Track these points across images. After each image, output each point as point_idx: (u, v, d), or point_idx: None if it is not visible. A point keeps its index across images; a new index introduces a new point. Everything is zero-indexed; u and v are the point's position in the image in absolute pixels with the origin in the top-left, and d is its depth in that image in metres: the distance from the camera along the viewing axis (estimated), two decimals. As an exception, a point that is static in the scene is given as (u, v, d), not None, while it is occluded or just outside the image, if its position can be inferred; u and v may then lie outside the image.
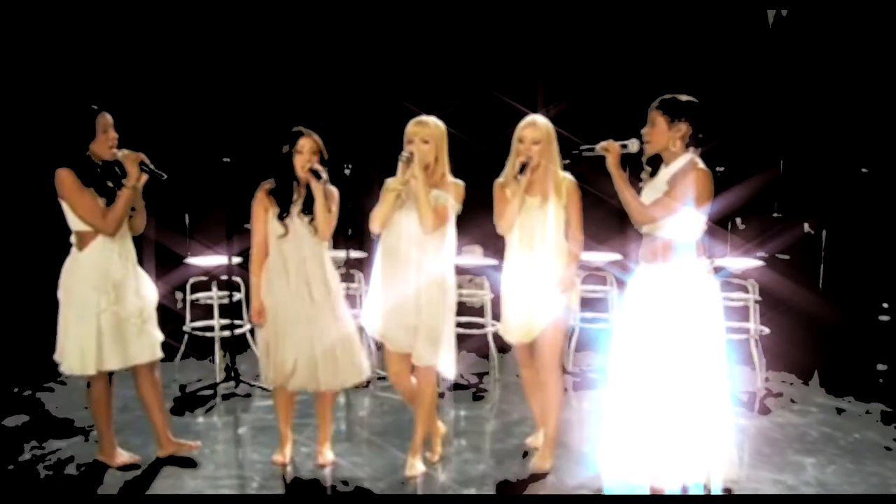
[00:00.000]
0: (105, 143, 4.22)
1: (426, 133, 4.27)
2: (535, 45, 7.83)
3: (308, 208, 4.38)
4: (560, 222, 4.39)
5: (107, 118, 4.23)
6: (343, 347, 4.46)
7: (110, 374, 4.50)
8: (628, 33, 7.80)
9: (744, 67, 7.64)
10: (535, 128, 4.35)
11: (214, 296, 6.36)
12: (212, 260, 6.42)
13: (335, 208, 4.42)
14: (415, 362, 4.40)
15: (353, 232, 6.44)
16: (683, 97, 3.96)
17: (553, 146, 4.38)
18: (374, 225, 4.32)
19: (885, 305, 6.90)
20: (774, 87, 7.72)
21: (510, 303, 4.53)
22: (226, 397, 5.93)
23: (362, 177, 6.63)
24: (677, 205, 3.85)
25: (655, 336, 3.92)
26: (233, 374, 6.11)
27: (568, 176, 4.43)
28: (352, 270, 6.56)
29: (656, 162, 4.07)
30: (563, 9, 7.73)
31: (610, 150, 3.97)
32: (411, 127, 4.30)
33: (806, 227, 7.69)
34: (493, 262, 6.65)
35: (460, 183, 4.35)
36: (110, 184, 4.25)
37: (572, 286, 4.46)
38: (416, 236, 4.28)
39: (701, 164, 3.93)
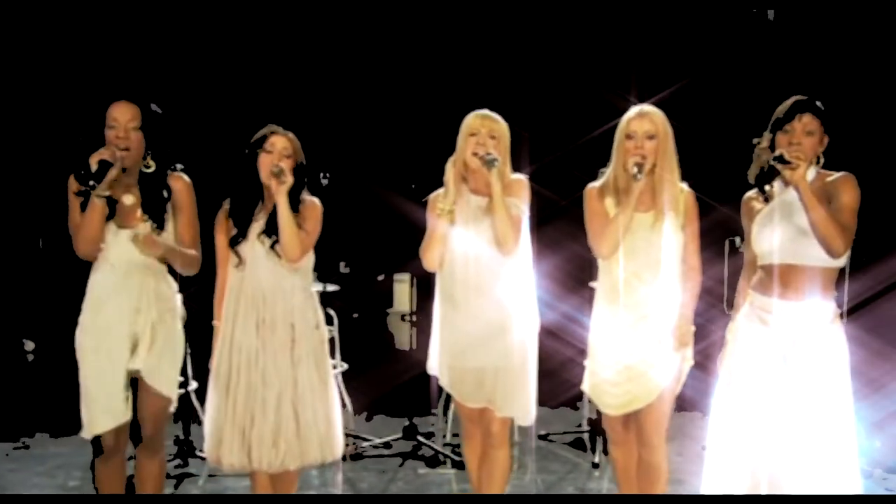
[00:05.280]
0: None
1: (496, 129, 3.58)
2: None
3: (274, 228, 3.51)
4: (678, 248, 3.49)
5: (118, 107, 3.41)
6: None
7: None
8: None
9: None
10: (649, 119, 3.44)
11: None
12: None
13: (312, 225, 3.59)
14: (498, 414, 3.63)
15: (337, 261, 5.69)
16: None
17: (671, 145, 3.46)
18: (429, 261, 3.64)
19: None
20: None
21: (607, 360, 3.54)
22: (178, 480, 4.65)
23: (344, 188, 5.66)
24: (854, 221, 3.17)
25: (784, 395, 3.17)
26: (185, 448, 4.86)
27: (685, 187, 3.53)
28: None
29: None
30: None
31: (803, 158, 3.07)
32: (476, 120, 3.60)
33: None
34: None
35: (523, 178, 3.67)
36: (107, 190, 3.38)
37: (690, 337, 3.50)
38: (481, 259, 3.57)
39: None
